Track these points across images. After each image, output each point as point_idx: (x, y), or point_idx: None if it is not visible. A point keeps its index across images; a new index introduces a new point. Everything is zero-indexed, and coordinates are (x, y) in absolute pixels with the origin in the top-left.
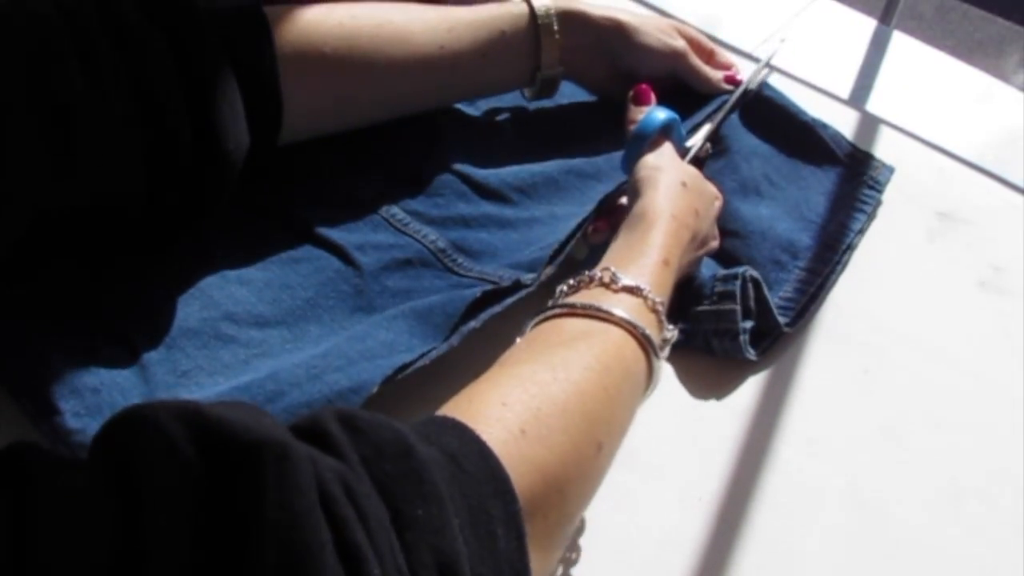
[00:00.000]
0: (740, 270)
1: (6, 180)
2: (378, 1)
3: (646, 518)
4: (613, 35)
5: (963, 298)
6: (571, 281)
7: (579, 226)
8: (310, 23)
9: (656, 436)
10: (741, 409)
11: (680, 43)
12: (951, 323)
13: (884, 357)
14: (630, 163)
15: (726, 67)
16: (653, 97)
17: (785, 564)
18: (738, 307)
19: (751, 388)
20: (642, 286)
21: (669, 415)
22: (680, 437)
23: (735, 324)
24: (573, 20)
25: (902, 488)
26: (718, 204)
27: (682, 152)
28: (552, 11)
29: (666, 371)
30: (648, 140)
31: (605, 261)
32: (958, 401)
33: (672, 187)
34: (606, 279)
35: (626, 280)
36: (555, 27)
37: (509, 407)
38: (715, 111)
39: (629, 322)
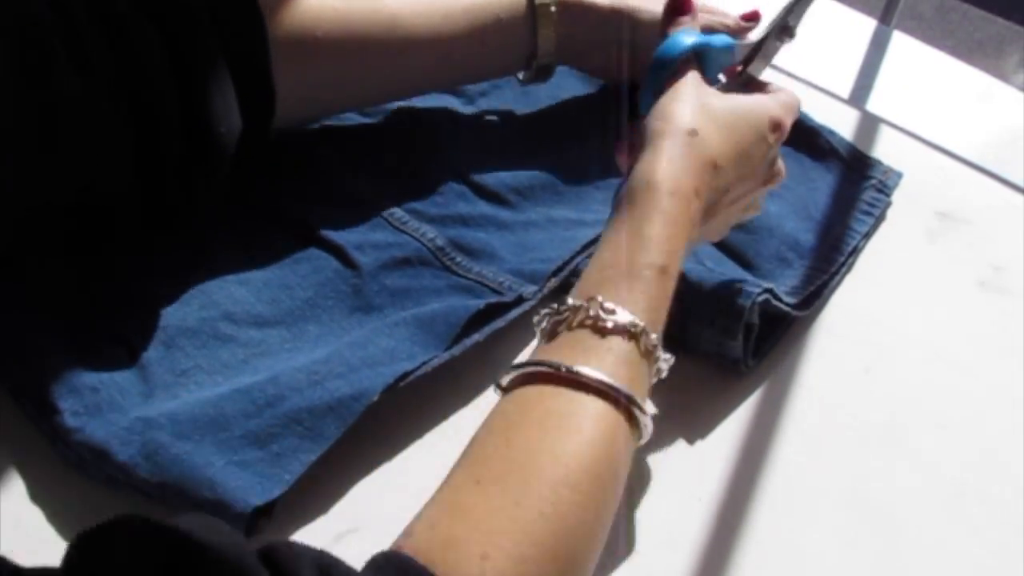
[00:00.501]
0: (746, 301)
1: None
2: None
3: (646, 518)
4: (617, 23)
5: (963, 298)
6: (554, 306)
7: (584, 246)
8: (303, 7)
9: (656, 436)
10: (741, 409)
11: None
12: (951, 323)
13: (885, 357)
14: (647, 98)
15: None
16: (695, 5)
17: (785, 564)
18: (740, 343)
19: (751, 387)
20: (637, 321)
21: (669, 415)
22: (680, 437)
23: (736, 352)
24: (573, 9)
25: (902, 488)
26: (778, 128)
27: (724, 84)
28: (550, 9)
29: (666, 370)
30: (668, 70)
31: (594, 271)
32: (959, 401)
33: (676, 147)
34: (592, 315)
35: (618, 316)
36: (554, 16)
37: (491, 560)
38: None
39: (618, 391)
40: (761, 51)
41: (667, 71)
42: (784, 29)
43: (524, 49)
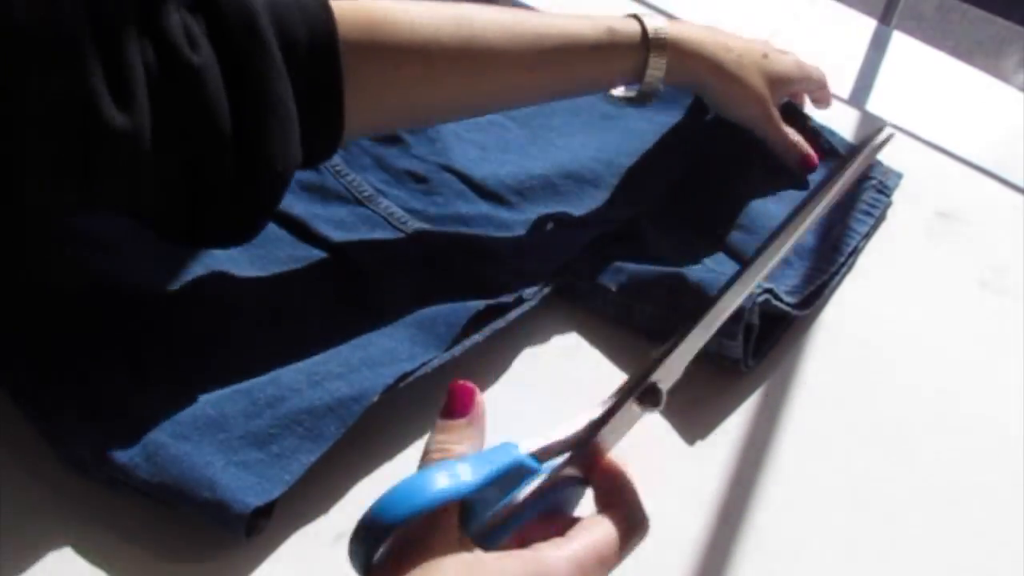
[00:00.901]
0: (747, 302)
1: (19, 210)
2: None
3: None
4: (709, 86)
5: (963, 298)
6: None
7: (584, 246)
8: (386, 31)
9: (655, 436)
10: (741, 409)
11: (774, 119)
12: (951, 323)
13: (884, 356)
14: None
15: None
16: (477, 405)
17: (785, 564)
18: (740, 343)
19: (751, 387)
20: None
21: (669, 412)
22: (680, 437)
23: (736, 352)
24: (681, 58)
25: (902, 488)
26: None
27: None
28: (666, 42)
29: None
30: (381, 540)
31: None
32: (958, 401)
33: None
34: None
35: None
36: (667, 52)
37: None
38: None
39: None
40: (606, 427)
41: (380, 540)
42: (647, 393)
43: (626, 76)
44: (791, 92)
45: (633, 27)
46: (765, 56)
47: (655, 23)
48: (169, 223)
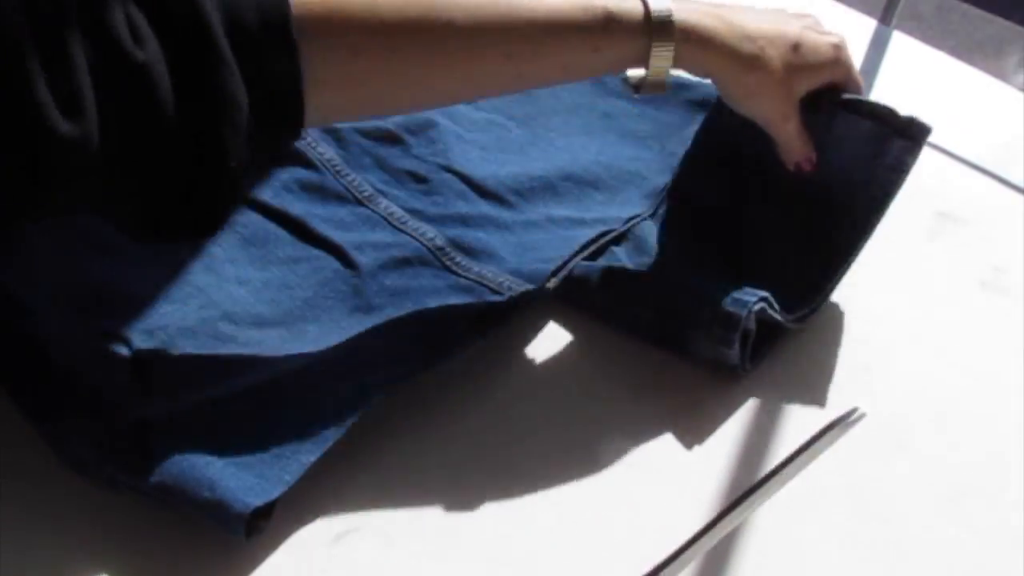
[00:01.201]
0: (742, 311)
1: None
2: None
3: (646, 518)
4: (721, 79)
5: (963, 298)
6: None
7: (583, 247)
8: (344, 14)
9: (656, 436)
10: (740, 410)
11: (791, 120)
12: (952, 323)
13: (884, 356)
14: None
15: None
16: None
17: (785, 564)
18: (736, 351)
19: (750, 388)
20: None
21: (669, 414)
22: (680, 439)
23: (734, 359)
24: (690, 46)
25: (902, 488)
26: None
27: None
28: (672, 27)
29: (663, 369)
30: None
31: None
32: (959, 401)
33: None
34: None
35: None
36: (671, 55)
37: None
38: None
39: None
40: None
41: None
42: None
43: (628, 64)
44: (822, 83)
45: (635, 9)
46: (796, 48)
47: (660, 5)
48: (128, 222)
